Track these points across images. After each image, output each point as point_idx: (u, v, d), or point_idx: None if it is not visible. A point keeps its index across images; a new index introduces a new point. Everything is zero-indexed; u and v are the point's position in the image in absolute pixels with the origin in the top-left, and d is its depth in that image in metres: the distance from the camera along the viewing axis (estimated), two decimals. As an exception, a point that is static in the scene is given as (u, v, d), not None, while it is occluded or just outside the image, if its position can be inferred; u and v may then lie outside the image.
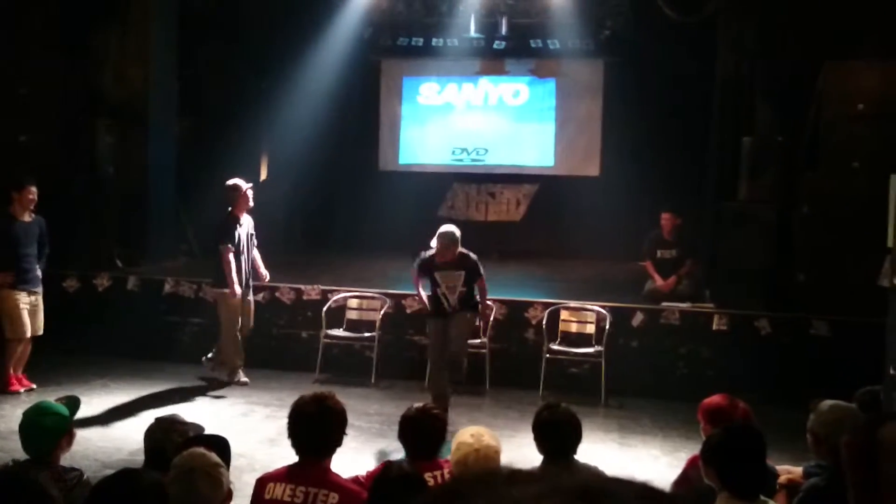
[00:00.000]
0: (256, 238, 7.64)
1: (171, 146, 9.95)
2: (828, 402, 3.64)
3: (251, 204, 7.50)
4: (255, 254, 7.61)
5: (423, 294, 6.75)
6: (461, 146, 12.46)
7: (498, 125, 12.45)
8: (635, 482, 0.50)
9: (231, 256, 7.25)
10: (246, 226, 7.48)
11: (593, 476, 0.51)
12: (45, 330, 7.47)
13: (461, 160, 12.47)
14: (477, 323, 7.22)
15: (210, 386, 7.45)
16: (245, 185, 7.51)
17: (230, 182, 7.49)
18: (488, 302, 6.96)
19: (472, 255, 6.59)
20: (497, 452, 3.33)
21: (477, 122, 12.46)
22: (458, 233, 6.54)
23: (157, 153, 9.56)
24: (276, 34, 11.65)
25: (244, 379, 7.52)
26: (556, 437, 3.58)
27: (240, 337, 7.49)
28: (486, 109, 12.50)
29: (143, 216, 9.42)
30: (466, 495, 0.50)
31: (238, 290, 7.27)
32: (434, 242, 6.52)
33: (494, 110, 12.49)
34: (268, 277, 7.69)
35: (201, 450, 2.75)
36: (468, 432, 3.43)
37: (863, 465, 1.24)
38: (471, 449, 3.30)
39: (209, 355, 7.55)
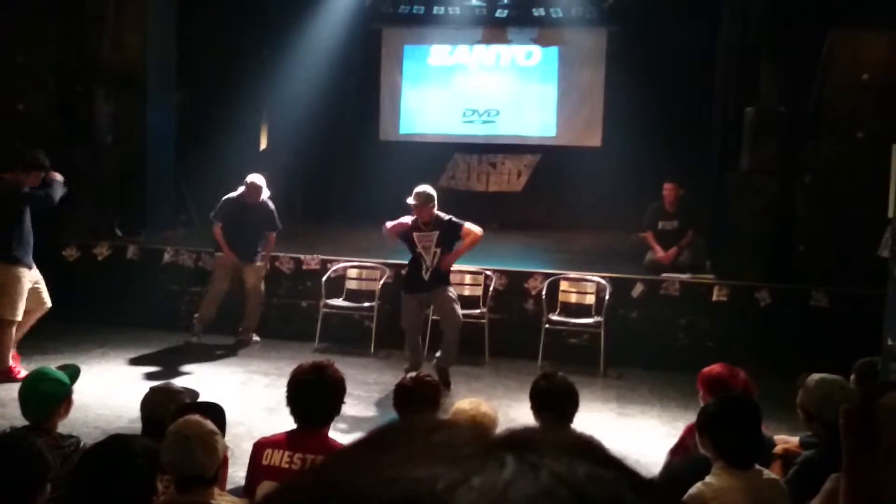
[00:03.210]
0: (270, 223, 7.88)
1: (170, 115, 9.89)
2: (815, 377, 3.63)
3: (253, 196, 7.69)
4: (268, 235, 7.88)
5: (390, 226, 6.78)
6: (472, 108, 12.35)
7: (509, 87, 12.32)
8: (567, 434, 0.49)
9: (218, 230, 7.72)
10: (252, 210, 7.71)
11: (526, 428, 0.50)
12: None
13: (472, 122, 12.36)
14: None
15: (210, 355, 7.49)
16: (250, 179, 7.73)
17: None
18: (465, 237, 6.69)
19: (447, 217, 6.64)
20: (493, 422, 3.35)
21: (488, 83, 12.32)
22: (432, 192, 6.61)
23: (156, 122, 9.50)
24: (276, 1, 11.53)
25: (256, 339, 7.90)
26: (554, 407, 3.59)
27: (249, 304, 7.86)
28: (498, 70, 12.36)
29: (143, 185, 9.38)
30: (386, 443, 0.49)
31: (225, 255, 7.71)
32: (411, 200, 6.58)
33: (507, 71, 12.36)
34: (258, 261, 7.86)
35: (197, 417, 2.76)
36: (467, 401, 3.47)
37: (862, 433, 1.23)
38: (467, 415, 3.32)
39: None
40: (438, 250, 6.59)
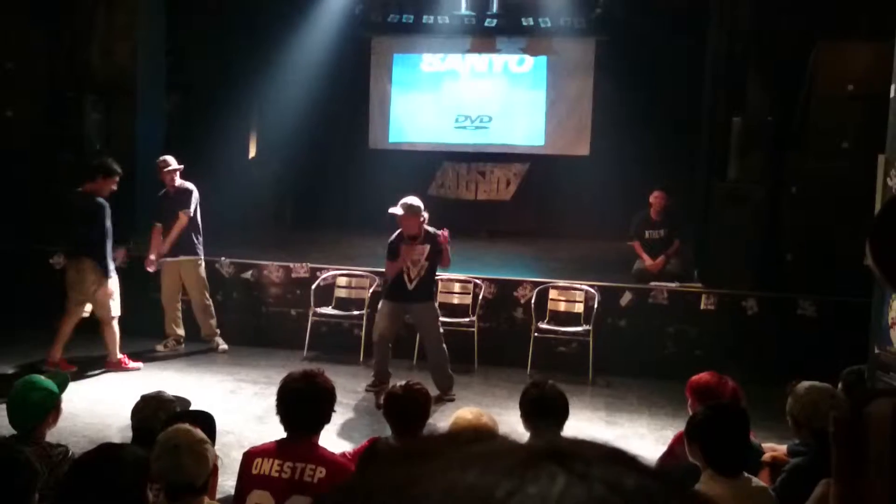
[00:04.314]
0: (200, 211, 7.78)
1: (159, 122, 9.86)
2: (804, 384, 3.66)
3: (169, 179, 7.68)
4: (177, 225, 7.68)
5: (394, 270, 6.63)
6: (465, 114, 12.37)
7: (502, 94, 12.35)
8: (603, 445, 0.50)
9: (154, 230, 7.72)
10: (173, 199, 7.67)
11: (560, 438, 0.51)
12: (32, 306, 7.49)
13: (464, 127, 12.38)
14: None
15: (198, 363, 7.46)
16: (165, 162, 7.70)
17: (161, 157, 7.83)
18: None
19: (436, 231, 6.54)
20: (493, 434, 3.36)
21: (481, 89, 12.34)
22: (420, 203, 6.48)
23: (146, 129, 9.47)
24: (266, 9, 11.54)
25: (223, 346, 7.79)
26: (544, 415, 3.60)
27: (205, 307, 7.72)
28: (491, 76, 12.40)
29: (132, 192, 9.32)
30: (430, 453, 0.50)
31: (152, 262, 7.64)
32: (397, 210, 6.44)
33: (500, 77, 12.40)
34: (162, 254, 7.72)
35: (186, 426, 2.75)
36: (469, 410, 3.47)
37: (851, 441, 1.25)
38: (468, 424, 3.32)
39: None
40: (427, 264, 6.48)
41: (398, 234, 6.56)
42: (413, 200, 6.49)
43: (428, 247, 6.49)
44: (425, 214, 6.54)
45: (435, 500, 0.45)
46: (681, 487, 0.48)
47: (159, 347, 7.68)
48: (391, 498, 0.46)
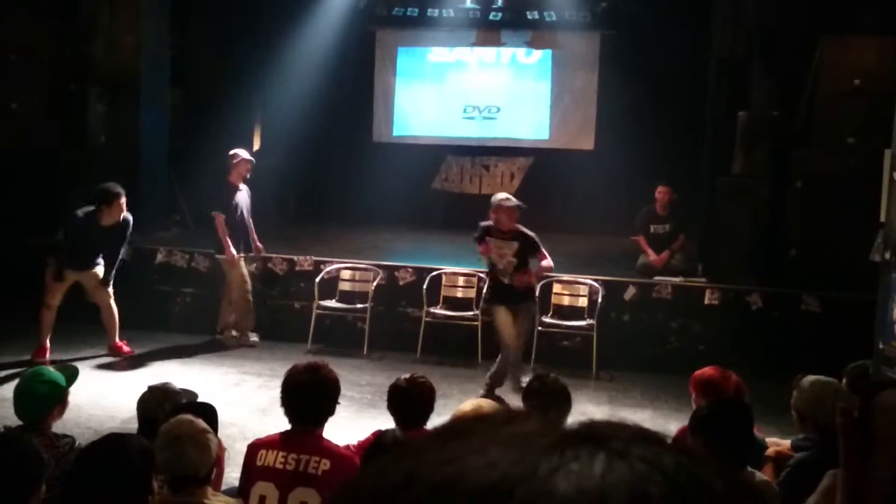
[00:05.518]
0: (250, 208, 7.95)
1: (163, 116, 9.86)
2: (809, 378, 3.66)
3: (246, 174, 7.82)
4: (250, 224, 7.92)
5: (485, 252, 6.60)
6: (473, 104, 12.35)
7: (509, 85, 12.32)
8: (634, 426, 0.51)
9: (223, 222, 7.58)
10: (244, 195, 7.80)
11: (593, 420, 0.51)
12: (33, 300, 7.54)
13: (472, 118, 12.35)
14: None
15: (202, 356, 7.48)
16: (242, 155, 7.82)
17: (231, 151, 7.89)
18: (545, 265, 6.60)
19: (531, 234, 6.49)
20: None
21: (489, 80, 12.30)
22: (501, 199, 6.46)
23: (150, 123, 9.47)
24: (271, 3, 11.52)
25: (255, 339, 7.87)
26: (547, 408, 3.60)
27: (251, 299, 7.83)
28: (499, 67, 12.37)
29: (135, 186, 9.32)
30: (465, 432, 0.50)
31: (234, 253, 7.59)
32: (502, 199, 6.47)
33: (507, 68, 12.37)
34: (262, 250, 7.96)
35: (189, 416, 2.76)
36: (470, 403, 3.47)
37: (858, 430, 1.26)
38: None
39: (233, 333, 7.85)
40: (515, 260, 6.42)
41: (491, 224, 6.49)
42: (499, 195, 6.55)
43: (517, 244, 6.43)
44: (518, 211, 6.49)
45: (477, 476, 0.45)
46: (716, 464, 0.48)
47: (253, 339, 7.81)
48: (435, 473, 0.46)
